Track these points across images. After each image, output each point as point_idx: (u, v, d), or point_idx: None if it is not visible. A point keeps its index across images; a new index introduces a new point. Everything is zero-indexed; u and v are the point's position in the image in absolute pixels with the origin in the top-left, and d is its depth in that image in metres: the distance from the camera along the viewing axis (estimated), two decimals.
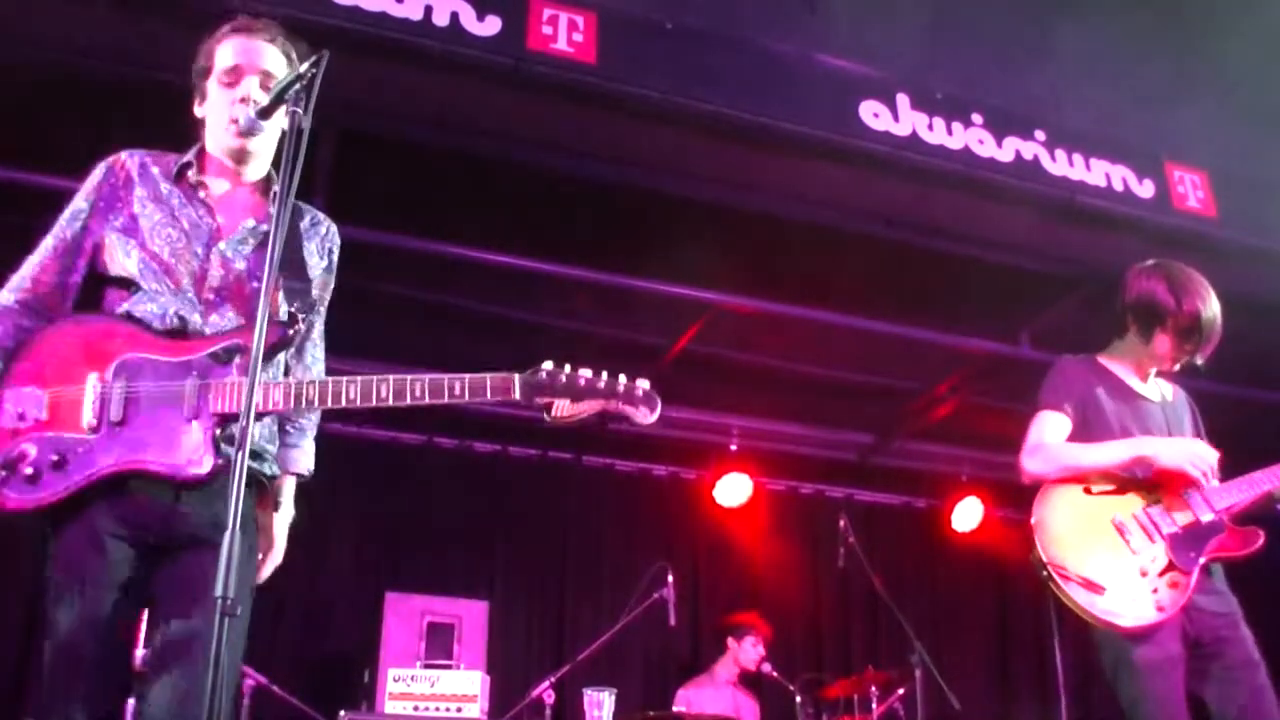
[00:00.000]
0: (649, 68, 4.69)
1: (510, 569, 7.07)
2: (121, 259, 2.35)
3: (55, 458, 2.17)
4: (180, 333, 2.31)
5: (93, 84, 4.29)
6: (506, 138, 4.80)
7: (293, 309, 2.41)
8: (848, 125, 4.97)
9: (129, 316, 2.31)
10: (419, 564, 6.76)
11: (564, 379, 2.23)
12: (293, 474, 2.53)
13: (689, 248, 5.33)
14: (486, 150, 4.83)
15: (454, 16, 4.38)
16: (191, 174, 2.45)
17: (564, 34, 4.55)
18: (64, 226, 2.41)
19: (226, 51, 2.45)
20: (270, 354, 2.34)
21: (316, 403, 2.25)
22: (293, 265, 2.46)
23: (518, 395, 2.22)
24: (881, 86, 5.10)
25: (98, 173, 2.46)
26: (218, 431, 2.21)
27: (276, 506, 2.49)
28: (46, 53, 4.22)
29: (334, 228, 2.66)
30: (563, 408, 2.24)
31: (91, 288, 2.41)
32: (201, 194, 2.44)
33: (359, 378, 2.23)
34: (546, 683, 5.21)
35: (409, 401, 2.21)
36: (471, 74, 4.45)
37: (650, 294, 5.68)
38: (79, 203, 2.43)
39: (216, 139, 2.47)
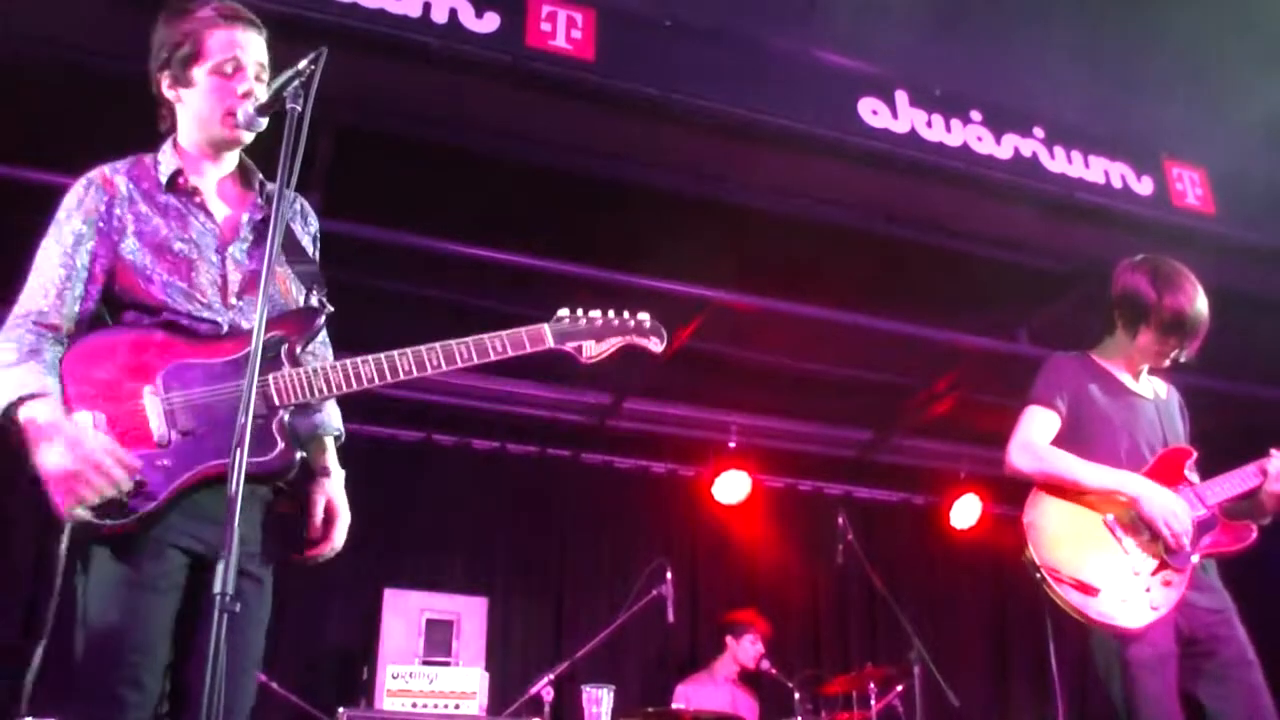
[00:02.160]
0: (647, 65, 4.69)
1: (509, 566, 7.06)
2: (144, 285, 2.29)
3: (140, 477, 2.12)
4: (217, 336, 2.30)
5: (92, 80, 4.28)
6: (505, 134, 4.80)
7: (313, 291, 2.42)
8: (846, 122, 4.97)
9: (163, 324, 2.27)
10: (418, 561, 6.75)
11: (584, 321, 2.44)
12: (330, 434, 2.57)
13: (687, 244, 5.33)
14: (485, 147, 4.83)
15: (452, 13, 4.38)
16: (183, 180, 2.40)
17: (562, 31, 4.55)
18: (68, 253, 2.28)
19: (220, 41, 2.38)
20: (309, 340, 2.40)
21: (377, 379, 2.28)
22: (295, 249, 2.45)
23: (550, 342, 2.41)
24: (880, 83, 5.10)
25: (87, 192, 2.34)
26: (287, 419, 2.24)
27: (326, 472, 2.52)
28: (46, 49, 4.22)
29: (309, 207, 2.64)
30: (590, 348, 2.44)
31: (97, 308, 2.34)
32: (198, 199, 2.40)
33: (409, 349, 2.30)
34: (545, 679, 5.22)
35: (459, 364, 2.32)
36: (470, 71, 4.44)
37: (648, 290, 5.67)
38: (77, 225, 2.30)
39: (206, 129, 2.41)
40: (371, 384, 2.28)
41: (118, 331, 2.29)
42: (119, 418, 2.16)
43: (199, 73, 2.39)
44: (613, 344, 2.47)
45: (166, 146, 2.45)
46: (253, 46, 2.41)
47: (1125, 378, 3.39)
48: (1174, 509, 3.12)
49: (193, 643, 2.21)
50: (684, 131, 4.82)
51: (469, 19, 4.40)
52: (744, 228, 5.34)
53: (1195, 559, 3.13)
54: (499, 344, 2.34)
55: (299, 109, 2.11)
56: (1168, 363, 3.36)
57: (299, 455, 2.25)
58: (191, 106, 2.41)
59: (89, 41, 4.19)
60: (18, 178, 4.51)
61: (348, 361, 2.31)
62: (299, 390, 2.25)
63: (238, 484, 1.89)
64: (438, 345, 2.31)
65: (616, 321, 2.48)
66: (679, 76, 4.71)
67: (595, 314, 2.46)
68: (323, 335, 2.56)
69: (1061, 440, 3.27)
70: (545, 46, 4.50)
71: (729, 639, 6.59)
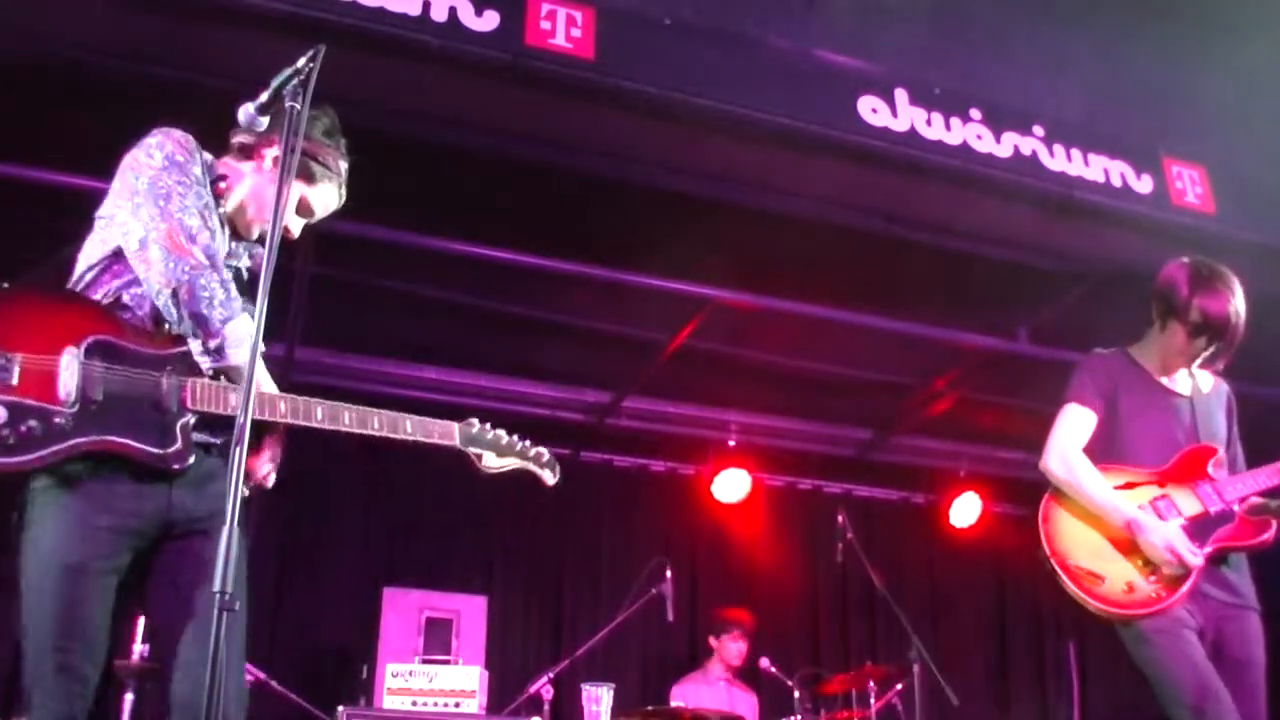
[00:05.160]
0: (647, 63, 4.68)
1: (509, 564, 7.07)
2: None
3: (34, 424, 2.12)
4: (158, 333, 2.31)
5: (98, 81, 4.27)
6: (504, 133, 4.79)
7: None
8: (846, 121, 4.96)
9: (107, 308, 2.31)
10: (417, 559, 6.76)
11: (490, 435, 2.64)
12: None
13: (688, 243, 5.33)
14: (484, 146, 4.82)
15: (452, 12, 4.37)
16: (223, 185, 2.49)
17: (562, 29, 4.54)
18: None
19: (324, 173, 2.64)
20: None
21: (289, 417, 2.34)
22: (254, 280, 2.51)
23: (457, 441, 2.59)
24: (880, 82, 5.09)
25: (191, 144, 2.42)
26: (191, 423, 2.26)
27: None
28: (52, 49, 4.21)
29: None
30: (490, 460, 2.66)
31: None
32: (220, 209, 2.48)
33: (329, 402, 2.39)
34: (545, 678, 5.22)
35: (369, 431, 2.45)
36: (469, 70, 4.44)
37: (649, 289, 5.67)
38: (196, 169, 2.40)
39: (258, 201, 2.53)
40: (284, 419, 2.34)
41: (57, 294, 2.35)
42: (32, 365, 2.17)
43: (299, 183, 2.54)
44: (510, 463, 2.69)
45: (207, 155, 2.50)
46: (333, 198, 2.72)
47: (1159, 374, 3.38)
48: (1178, 551, 3.09)
49: (159, 615, 2.25)
50: (684, 131, 4.81)
51: (468, 17, 4.40)
52: (744, 227, 5.34)
53: (1207, 551, 3.13)
54: (409, 425, 2.50)
55: (297, 107, 2.12)
56: (1197, 364, 3.35)
57: (193, 459, 2.26)
58: (268, 172, 2.55)
59: (89, 41, 4.18)
60: (18, 177, 4.51)
61: (268, 393, 2.34)
62: (212, 400, 2.28)
63: (237, 482, 1.89)
64: (356, 408, 2.43)
65: (518, 445, 2.70)
66: (679, 75, 4.71)
67: (501, 433, 2.65)
68: None
69: (1097, 437, 3.30)
70: (545, 45, 4.49)
71: (711, 638, 6.60)
